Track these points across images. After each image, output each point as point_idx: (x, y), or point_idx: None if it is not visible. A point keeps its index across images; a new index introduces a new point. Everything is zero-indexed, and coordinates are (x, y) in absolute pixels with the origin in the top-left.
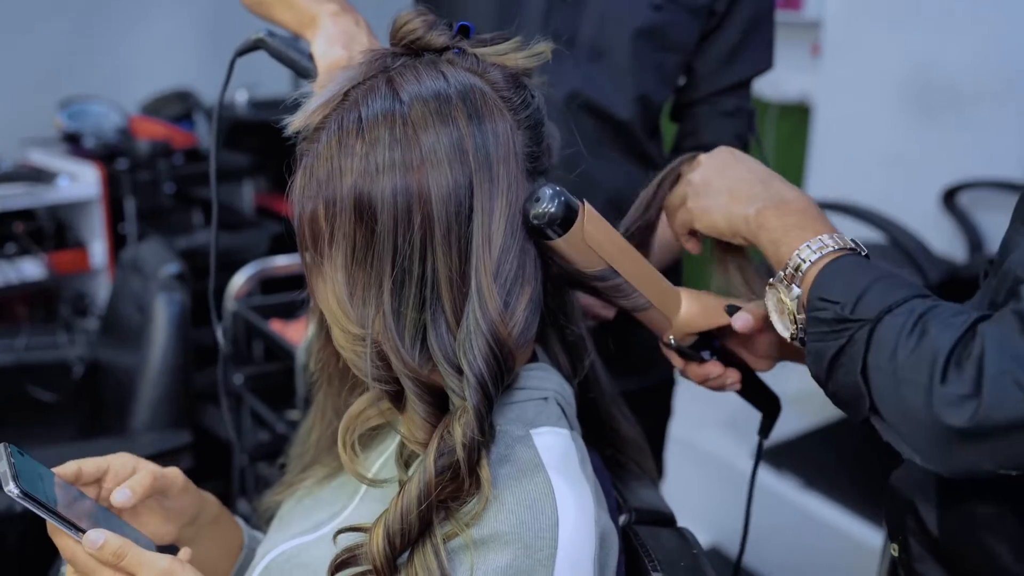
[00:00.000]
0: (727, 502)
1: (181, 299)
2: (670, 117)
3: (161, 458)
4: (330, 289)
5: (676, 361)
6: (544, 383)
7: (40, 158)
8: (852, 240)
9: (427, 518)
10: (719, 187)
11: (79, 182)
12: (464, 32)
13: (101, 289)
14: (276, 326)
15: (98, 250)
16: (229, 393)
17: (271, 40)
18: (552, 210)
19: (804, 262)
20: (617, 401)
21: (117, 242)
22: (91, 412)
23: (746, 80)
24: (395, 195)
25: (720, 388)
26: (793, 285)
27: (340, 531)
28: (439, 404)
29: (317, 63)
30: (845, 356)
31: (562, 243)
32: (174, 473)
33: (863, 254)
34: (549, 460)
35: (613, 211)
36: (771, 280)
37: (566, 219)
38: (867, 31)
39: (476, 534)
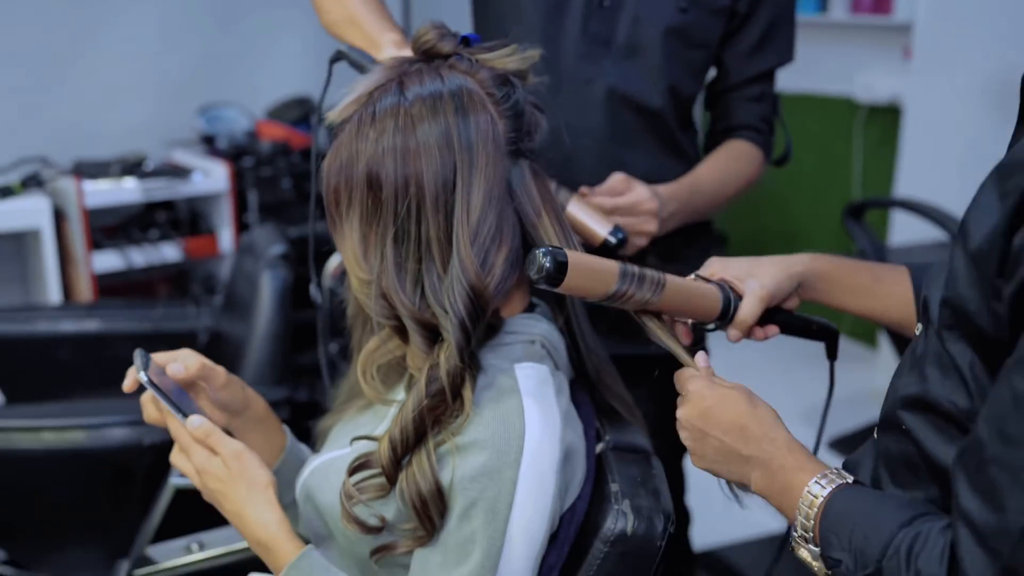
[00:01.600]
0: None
1: (284, 275)
2: (705, 106)
3: None
4: (348, 245)
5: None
6: (532, 329)
7: (180, 156)
8: (832, 470)
9: (421, 429)
10: (714, 446)
11: (211, 178)
12: (466, 42)
13: (226, 271)
14: None
15: (225, 237)
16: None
17: (350, 52)
18: (547, 266)
19: (814, 512)
20: (604, 359)
21: (241, 230)
22: None
23: (769, 71)
24: (395, 172)
25: (763, 338)
26: (810, 545)
27: (355, 439)
28: (433, 338)
29: None
30: None
31: (564, 288)
32: (219, 369)
33: (850, 481)
34: (525, 387)
35: None
36: (792, 536)
37: (558, 272)
38: (957, 34)
39: (459, 441)
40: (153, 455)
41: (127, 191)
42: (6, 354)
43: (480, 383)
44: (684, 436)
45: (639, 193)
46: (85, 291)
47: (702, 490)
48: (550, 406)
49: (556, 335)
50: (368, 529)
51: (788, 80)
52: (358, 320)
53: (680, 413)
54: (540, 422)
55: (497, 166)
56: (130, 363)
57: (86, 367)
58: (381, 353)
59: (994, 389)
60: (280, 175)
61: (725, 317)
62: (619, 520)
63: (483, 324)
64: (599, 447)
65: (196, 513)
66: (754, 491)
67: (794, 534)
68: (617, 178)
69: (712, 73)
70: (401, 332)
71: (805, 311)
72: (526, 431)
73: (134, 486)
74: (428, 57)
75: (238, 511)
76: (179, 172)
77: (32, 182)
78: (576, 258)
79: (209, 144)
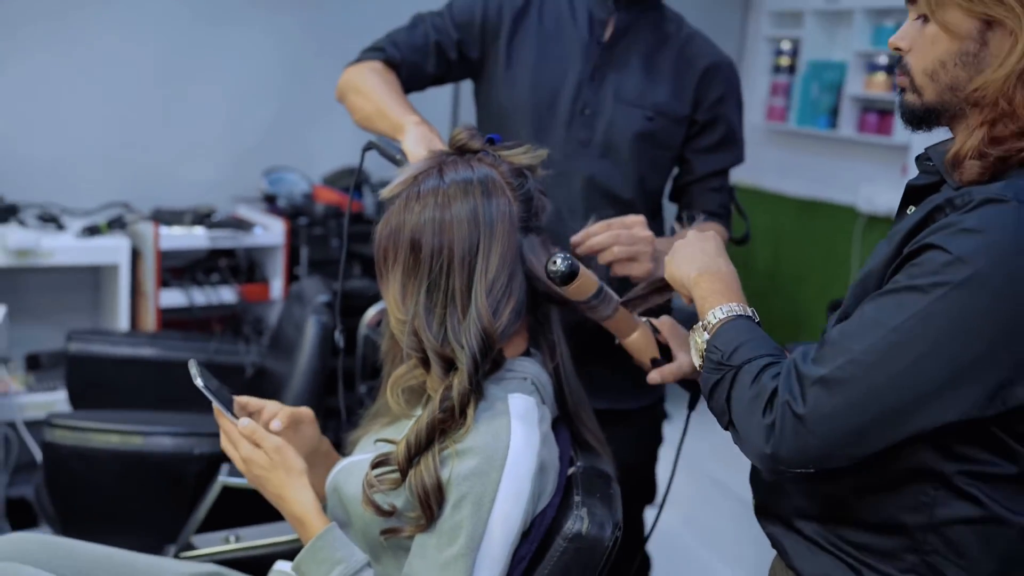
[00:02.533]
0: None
1: (325, 320)
2: (670, 198)
3: None
4: (390, 292)
5: (654, 376)
6: (526, 369)
7: (244, 211)
8: (751, 309)
9: (431, 436)
10: (683, 254)
11: (270, 232)
12: (491, 142)
13: (274, 315)
14: None
15: (276, 286)
16: (354, 395)
17: (379, 142)
18: (563, 269)
19: (714, 318)
20: (583, 400)
21: (291, 281)
22: None
23: (725, 168)
24: (433, 240)
25: (678, 379)
26: (705, 332)
27: (378, 440)
28: (449, 368)
29: (407, 156)
30: (719, 387)
31: (568, 289)
32: (307, 411)
33: (756, 321)
34: (514, 412)
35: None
36: (694, 325)
37: (570, 274)
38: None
39: (459, 447)
40: (202, 463)
41: (196, 238)
42: (82, 369)
43: (481, 406)
44: (670, 254)
45: (625, 217)
46: (150, 322)
47: (667, 540)
48: (532, 429)
49: (545, 377)
50: (382, 512)
51: (802, 187)
52: (389, 354)
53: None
54: (523, 439)
55: (511, 238)
56: (186, 385)
57: (147, 387)
58: (407, 378)
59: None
60: (331, 235)
61: (656, 363)
62: (577, 522)
63: (490, 360)
64: (571, 469)
65: (236, 511)
66: (689, 284)
67: (695, 327)
68: (600, 222)
69: (676, 170)
70: (424, 362)
71: None
72: (511, 444)
73: (184, 487)
74: (461, 151)
75: (278, 492)
76: (242, 225)
77: (116, 224)
78: (582, 270)
79: (270, 202)
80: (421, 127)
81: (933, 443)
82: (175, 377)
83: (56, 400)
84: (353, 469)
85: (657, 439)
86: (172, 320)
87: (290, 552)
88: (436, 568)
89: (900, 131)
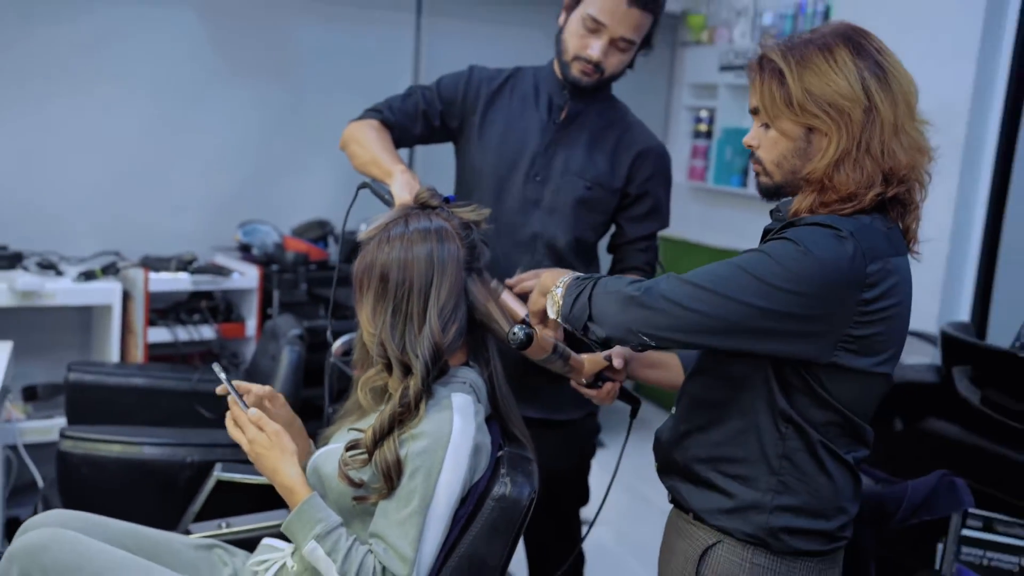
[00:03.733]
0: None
1: (299, 351)
2: (608, 250)
3: None
4: (364, 311)
5: (589, 393)
6: (466, 376)
7: (221, 259)
8: (579, 274)
9: (392, 425)
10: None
11: (245, 277)
12: (447, 201)
13: (249, 351)
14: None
15: (251, 324)
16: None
17: (371, 183)
18: (521, 338)
19: (561, 283)
20: (511, 403)
21: (264, 320)
22: None
23: (651, 234)
24: (398, 273)
25: (611, 400)
26: (559, 287)
27: (351, 428)
28: (407, 372)
29: (394, 199)
30: (580, 296)
31: (528, 352)
32: (277, 394)
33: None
34: (456, 406)
35: None
36: (546, 294)
37: (527, 341)
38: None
39: (413, 432)
40: (193, 469)
41: (181, 281)
42: (80, 395)
43: (430, 402)
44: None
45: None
46: (138, 356)
47: (600, 552)
48: (469, 419)
49: (480, 382)
50: (353, 484)
51: (719, 238)
52: (359, 361)
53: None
54: (461, 426)
55: (459, 275)
56: (169, 408)
57: (137, 411)
58: (374, 379)
59: None
60: (299, 280)
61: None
62: (501, 487)
63: (438, 368)
64: (500, 453)
65: (226, 503)
66: (542, 286)
67: (553, 291)
68: (531, 271)
69: (614, 229)
70: (388, 367)
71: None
72: (452, 429)
73: (176, 489)
74: (423, 207)
75: (274, 467)
76: (221, 271)
77: (110, 269)
78: (537, 337)
79: (246, 251)
80: (406, 174)
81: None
82: (161, 402)
83: (53, 426)
84: (330, 455)
85: (591, 448)
86: (157, 355)
87: (273, 534)
88: (396, 525)
89: None
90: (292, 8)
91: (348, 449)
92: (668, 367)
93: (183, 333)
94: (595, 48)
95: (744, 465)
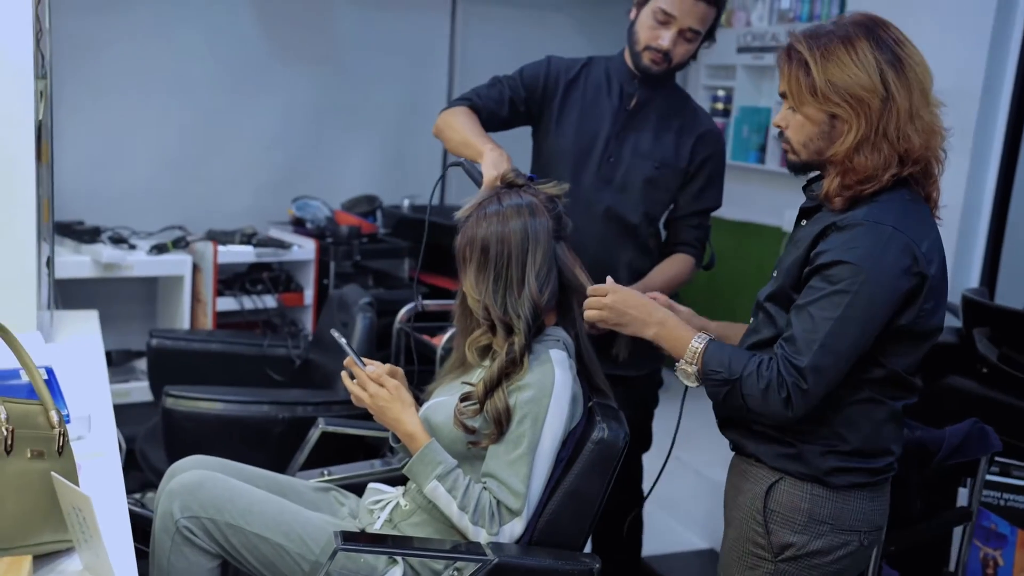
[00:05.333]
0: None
1: (370, 317)
2: (663, 226)
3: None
4: (468, 280)
5: None
6: (559, 335)
7: (275, 232)
8: (708, 335)
9: (500, 377)
10: (632, 329)
11: (303, 249)
12: (531, 179)
13: (306, 318)
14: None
15: (309, 294)
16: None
17: (464, 163)
18: None
19: (695, 350)
20: (595, 360)
21: (320, 289)
22: (301, 387)
23: (704, 210)
24: (497, 243)
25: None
26: (693, 364)
27: (464, 383)
28: (510, 331)
29: (484, 177)
30: (731, 395)
31: None
32: (399, 370)
33: (713, 338)
34: (555, 360)
35: (625, 271)
36: (678, 363)
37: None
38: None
39: (519, 383)
40: (284, 425)
41: (246, 253)
42: (161, 359)
43: (531, 357)
44: (607, 313)
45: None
46: (207, 324)
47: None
48: (567, 371)
49: (570, 340)
50: (467, 430)
51: (737, 212)
52: (461, 324)
53: (607, 300)
54: (561, 378)
55: (549, 243)
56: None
57: (213, 373)
58: (479, 340)
59: (793, 316)
60: (354, 252)
61: None
62: (599, 431)
63: (536, 326)
64: (590, 403)
65: (326, 454)
66: (648, 337)
67: (679, 363)
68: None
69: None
70: (492, 328)
71: None
72: (555, 380)
73: (270, 443)
74: (511, 186)
75: (396, 416)
76: (281, 244)
77: (180, 243)
78: None
79: (299, 225)
80: (495, 152)
81: None
82: (236, 365)
83: (130, 389)
84: (439, 407)
85: (654, 400)
86: (224, 323)
87: (368, 480)
88: (507, 464)
89: None
90: None
91: (462, 400)
92: (734, 334)
93: (248, 302)
94: (665, 38)
95: (801, 421)
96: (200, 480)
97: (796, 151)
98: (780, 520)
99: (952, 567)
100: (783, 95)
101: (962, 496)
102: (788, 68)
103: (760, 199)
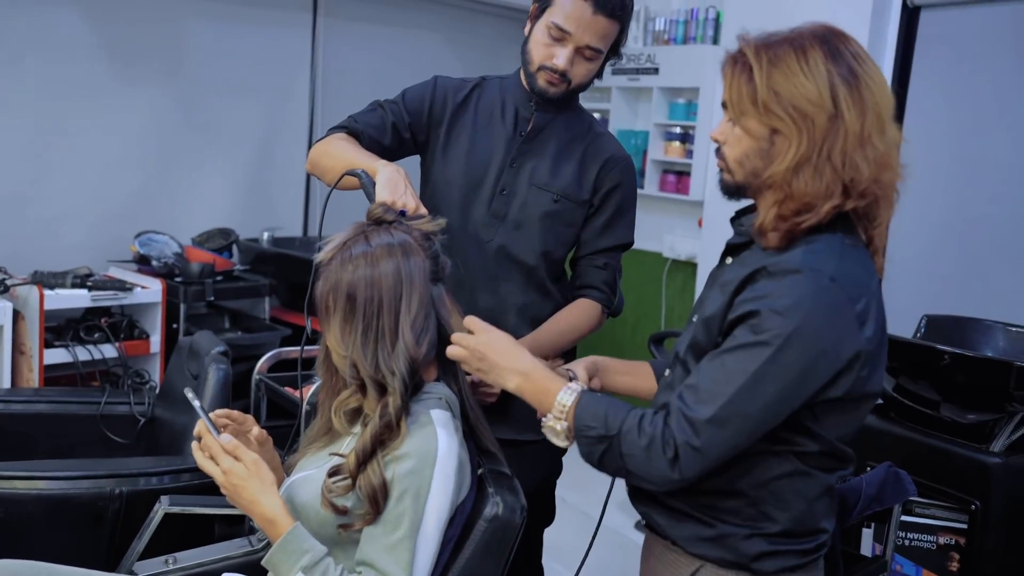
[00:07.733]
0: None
1: (225, 368)
2: (568, 264)
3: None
4: (332, 333)
5: None
6: (440, 391)
7: (116, 272)
8: (579, 385)
9: (374, 447)
10: (493, 377)
11: (148, 291)
12: (402, 215)
13: (153, 368)
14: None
15: (156, 340)
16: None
17: (363, 174)
18: None
19: (563, 405)
20: (482, 417)
21: (169, 335)
22: (147, 450)
23: (612, 247)
24: (366, 290)
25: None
26: (562, 420)
27: (332, 454)
28: (383, 391)
29: (377, 195)
30: (609, 453)
31: None
32: (249, 418)
33: (587, 389)
34: (437, 421)
35: (519, 318)
36: (543, 419)
37: None
38: (734, 209)
39: (397, 453)
40: (122, 501)
41: (80, 298)
42: None
43: (409, 420)
44: (467, 355)
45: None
46: (33, 379)
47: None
48: (452, 434)
49: (453, 397)
50: (338, 511)
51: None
52: (326, 383)
53: (471, 341)
54: (446, 442)
55: (425, 287)
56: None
57: (40, 440)
58: (347, 402)
59: (706, 361)
60: (207, 292)
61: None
62: (493, 507)
63: (413, 383)
64: (480, 470)
65: (170, 538)
66: (511, 389)
67: (546, 420)
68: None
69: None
70: (362, 388)
71: None
72: (439, 446)
73: (104, 525)
74: (378, 222)
75: (253, 498)
76: (121, 285)
77: None
78: None
79: (144, 263)
80: (388, 168)
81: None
82: (67, 429)
83: None
84: (302, 483)
85: (556, 469)
86: (53, 377)
87: (223, 568)
88: (384, 551)
89: (695, 190)
90: (182, 7)
91: (331, 475)
92: (639, 374)
93: (83, 353)
94: (560, 57)
95: (720, 498)
96: None
97: (731, 169)
98: None
99: None
100: (724, 105)
101: (865, 536)
102: (731, 74)
103: (640, 224)
